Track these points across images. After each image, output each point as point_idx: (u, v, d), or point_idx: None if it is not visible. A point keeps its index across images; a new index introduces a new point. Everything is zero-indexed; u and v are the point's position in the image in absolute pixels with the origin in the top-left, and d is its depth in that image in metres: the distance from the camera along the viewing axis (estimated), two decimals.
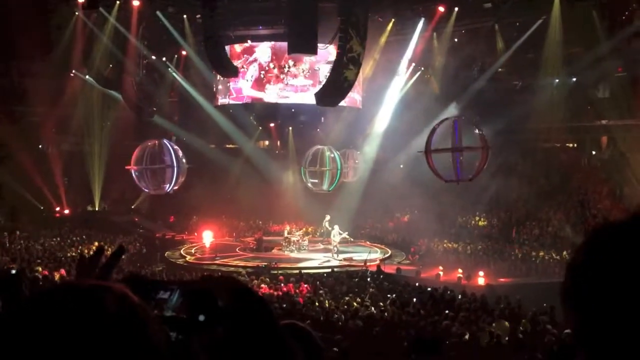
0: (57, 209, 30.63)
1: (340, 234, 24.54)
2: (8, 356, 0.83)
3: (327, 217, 26.01)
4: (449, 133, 18.50)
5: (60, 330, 0.84)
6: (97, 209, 32.28)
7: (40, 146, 32.47)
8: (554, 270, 21.59)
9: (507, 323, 11.40)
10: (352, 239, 25.74)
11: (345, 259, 23.85)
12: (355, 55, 20.20)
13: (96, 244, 25.19)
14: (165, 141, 24.08)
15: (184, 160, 24.35)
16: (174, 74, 31.31)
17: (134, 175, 24.03)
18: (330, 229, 25.32)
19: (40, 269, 17.65)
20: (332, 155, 26.42)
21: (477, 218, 28.35)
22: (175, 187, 24.39)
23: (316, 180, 27.11)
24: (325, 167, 26.75)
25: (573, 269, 0.94)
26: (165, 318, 1.07)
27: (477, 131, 19.13)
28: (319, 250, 26.10)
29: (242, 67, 27.89)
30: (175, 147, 24.32)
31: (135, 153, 23.83)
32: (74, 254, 22.92)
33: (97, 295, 0.89)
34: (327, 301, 14.61)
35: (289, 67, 28.05)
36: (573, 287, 0.93)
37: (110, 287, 0.91)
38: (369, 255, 23.91)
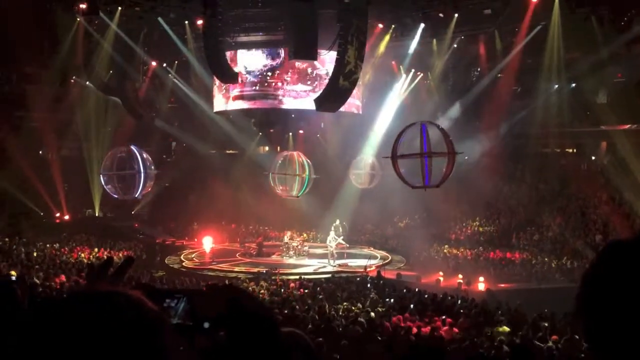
0: (57, 214, 30.62)
1: (335, 239, 24.54)
2: (31, 358, 0.85)
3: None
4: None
5: (80, 334, 0.86)
6: (97, 214, 32.26)
7: (40, 152, 32.50)
8: (553, 275, 21.60)
9: (507, 329, 11.39)
10: (347, 245, 25.70)
11: (340, 265, 23.84)
12: (354, 61, 20.26)
13: (96, 250, 25.19)
14: (134, 148, 24.38)
15: (152, 167, 24.88)
16: (174, 79, 31.39)
17: (102, 180, 24.40)
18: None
19: (41, 274, 17.64)
20: (302, 160, 26.34)
21: (477, 223, 28.35)
22: (145, 192, 25.06)
23: (285, 186, 27.00)
24: (295, 173, 26.60)
25: (588, 280, 1.01)
26: (172, 326, 1.09)
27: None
28: (318, 255, 26.05)
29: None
30: (145, 155, 24.62)
31: (105, 159, 24.53)
32: (73, 260, 22.90)
33: (116, 301, 0.91)
34: (326, 307, 14.60)
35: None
36: (588, 297, 1.00)
37: (128, 294, 0.94)
38: (369, 261, 23.90)
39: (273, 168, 26.80)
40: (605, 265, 1.00)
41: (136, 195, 24.86)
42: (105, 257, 20.45)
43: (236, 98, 29.50)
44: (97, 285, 1.19)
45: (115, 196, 25.32)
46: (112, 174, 24.24)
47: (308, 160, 26.33)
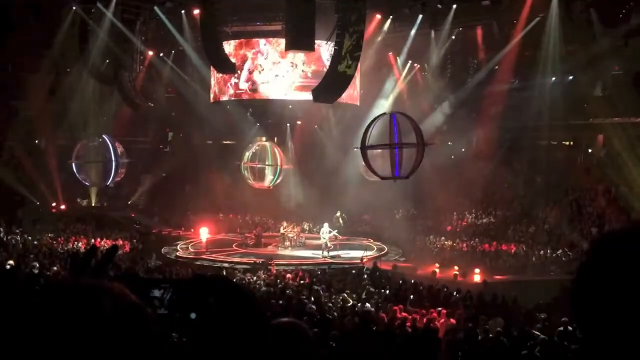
0: (54, 204, 30.56)
1: (329, 232, 24.54)
2: (10, 353, 0.84)
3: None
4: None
5: (60, 328, 0.85)
6: (93, 204, 32.21)
7: (36, 141, 32.38)
8: (549, 267, 21.69)
9: (502, 320, 11.44)
10: (340, 237, 25.70)
11: (333, 257, 23.83)
12: (352, 52, 20.17)
13: (92, 239, 25.18)
14: (106, 138, 24.67)
15: (124, 157, 25.67)
16: (171, 69, 31.23)
17: (74, 168, 24.93)
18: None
19: (36, 264, 17.62)
20: (274, 150, 26.19)
21: (473, 215, 28.39)
22: (117, 179, 25.87)
23: (257, 176, 26.89)
24: (267, 163, 26.45)
25: (580, 271, 1.01)
26: (158, 316, 1.08)
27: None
28: (314, 246, 26.05)
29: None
30: (117, 144, 25.23)
31: (77, 148, 25.25)
32: (69, 249, 22.89)
33: (98, 295, 0.90)
34: (322, 298, 14.63)
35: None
36: (579, 288, 1.00)
37: (110, 287, 0.92)
38: (365, 253, 23.94)
39: (245, 158, 26.78)
40: (596, 256, 1.00)
41: (107, 183, 25.83)
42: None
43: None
44: (79, 277, 1.17)
45: (87, 184, 26.44)
46: (84, 163, 25.24)
47: (280, 151, 26.26)
